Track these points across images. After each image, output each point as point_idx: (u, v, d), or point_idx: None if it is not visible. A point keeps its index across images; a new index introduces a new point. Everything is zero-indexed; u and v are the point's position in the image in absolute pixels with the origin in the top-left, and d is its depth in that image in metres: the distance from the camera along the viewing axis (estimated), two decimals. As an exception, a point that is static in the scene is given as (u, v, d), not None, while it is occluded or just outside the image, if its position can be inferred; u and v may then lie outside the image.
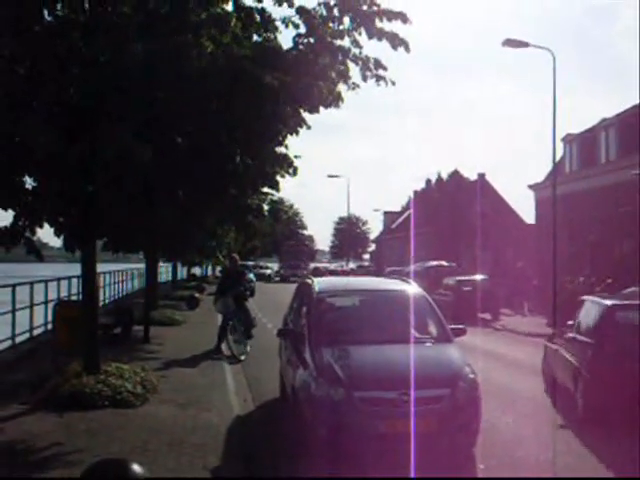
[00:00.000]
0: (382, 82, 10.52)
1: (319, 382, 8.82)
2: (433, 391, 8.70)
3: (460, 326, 10.76)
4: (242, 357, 17.21)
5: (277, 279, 75.38)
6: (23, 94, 9.29)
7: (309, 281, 11.82)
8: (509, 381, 15.02)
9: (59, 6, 9.70)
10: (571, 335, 12.92)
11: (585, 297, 13.89)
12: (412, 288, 11.23)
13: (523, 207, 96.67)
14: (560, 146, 38.08)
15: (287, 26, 10.30)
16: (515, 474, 8.58)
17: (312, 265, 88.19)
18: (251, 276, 44.33)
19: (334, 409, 8.52)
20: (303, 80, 10.01)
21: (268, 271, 77.34)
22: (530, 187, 44.12)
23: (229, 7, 10.22)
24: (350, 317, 11.08)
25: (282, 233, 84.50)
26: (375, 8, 9.90)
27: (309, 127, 11.48)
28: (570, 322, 13.40)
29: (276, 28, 10.35)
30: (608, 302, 12.40)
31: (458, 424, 8.63)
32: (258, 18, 10.19)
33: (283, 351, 11.84)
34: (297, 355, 9.98)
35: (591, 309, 12.64)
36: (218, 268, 50.25)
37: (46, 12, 9.62)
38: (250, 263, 66.90)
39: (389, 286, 11.82)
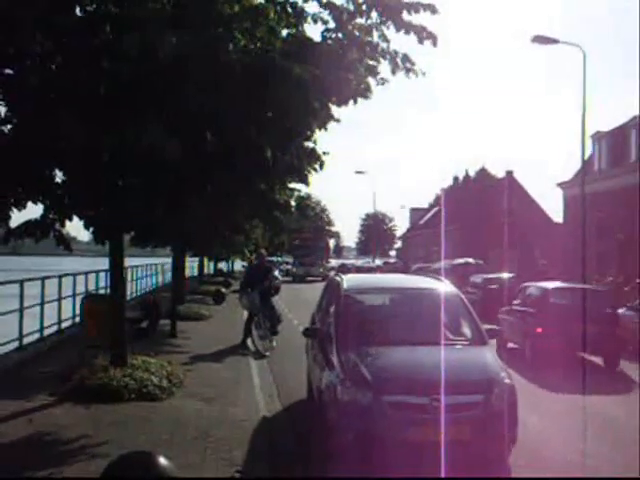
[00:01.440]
0: (412, 74, 10.45)
1: (345, 385, 8.35)
2: (466, 397, 8.20)
3: (495, 327, 10.25)
4: (267, 353, 17.22)
5: (289, 279, 59.93)
6: (54, 89, 9.35)
7: (337, 278, 11.33)
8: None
9: (89, 0, 9.74)
10: (520, 309, 18.88)
11: (527, 283, 20.42)
12: (445, 286, 10.71)
13: (552, 205, 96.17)
14: (589, 144, 37.80)
15: (316, 22, 10.28)
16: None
17: (339, 261, 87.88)
18: (276, 274, 41.54)
19: (361, 414, 8.05)
20: (333, 73, 9.98)
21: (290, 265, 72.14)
22: (559, 185, 43.85)
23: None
24: (379, 316, 10.47)
25: (309, 229, 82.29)
26: (403, 1, 9.84)
27: (338, 121, 11.45)
28: (515, 301, 19.61)
29: (306, 21, 10.31)
30: (548, 286, 19.01)
31: (492, 433, 8.15)
32: (290, 11, 10.17)
33: (310, 350, 11.43)
34: (323, 355, 9.55)
35: (535, 291, 18.99)
36: (242, 263, 49.92)
37: (77, 8, 9.70)
38: (276, 259, 66.74)
39: (421, 284, 11.22)
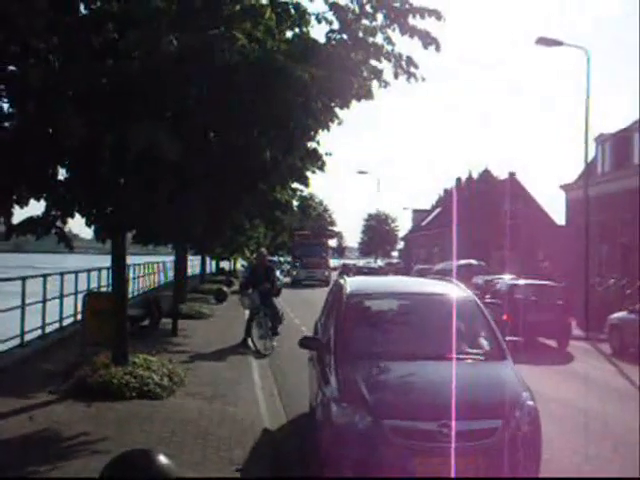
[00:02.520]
0: (413, 79, 10.46)
1: (342, 405, 7.29)
2: (482, 423, 7.10)
3: (516, 339, 9.28)
4: (267, 352, 17.21)
5: (287, 280, 55.93)
6: (56, 86, 9.35)
7: (341, 281, 10.29)
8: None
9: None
10: (491, 301, 21.69)
11: (496, 280, 25.74)
12: (461, 292, 9.56)
13: (555, 207, 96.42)
14: (593, 146, 37.75)
15: (320, 22, 10.28)
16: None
17: (341, 262, 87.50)
18: (277, 274, 36.79)
19: (359, 441, 6.98)
20: (336, 75, 9.98)
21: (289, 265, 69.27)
22: (562, 187, 43.78)
23: (263, 0, 10.22)
24: (385, 325, 9.23)
25: (311, 228, 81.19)
26: (408, 6, 9.85)
27: (341, 122, 11.44)
28: (487, 295, 22.94)
29: (309, 22, 10.32)
30: (511, 282, 24.13)
31: (512, 464, 6.98)
32: (293, 12, 10.18)
33: (310, 361, 10.48)
34: (320, 369, 8.57)
35: (502, 286, 23.57)
36: (242, 262, 49.80)
37: (82, 5, 9.72)
38: (278, 259, 66.32)
39: (434, 289, 10.01)
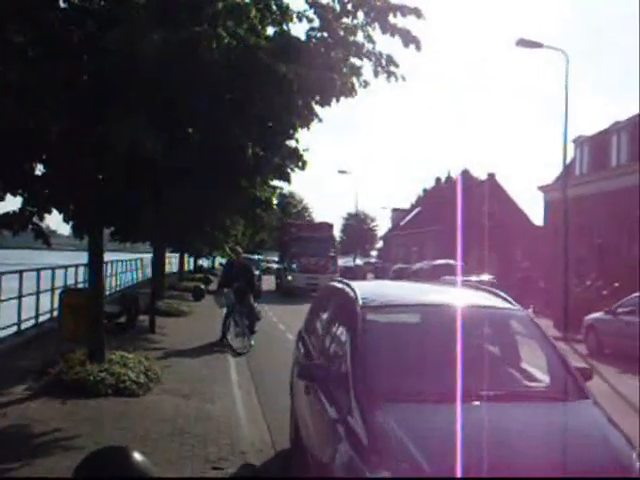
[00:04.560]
0: (393, 78, 10.48)
1: (382, 475, 4.80)
2: None
3: (585, 366, 6.87)
4: (244, 351, 17.12)
5: (272, 288, 44.83)
6: (35, 81, 9.28)
7: (343, 287, 7.80)
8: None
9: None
10: None
11: (446, 278, 26.60)
12: (506, 304, 7.12)
13: (533, 208, 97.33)
14: (571, 148, 38.01)
15: (301, 20, 10.27)
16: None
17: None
18: (257, 273, 30.43)
19: None
20: (317, 72, 9.96)
21: (276, 265, 59.19)
22: (540, 188, 44.04)
23: None
24: (422, 351, 6.52)
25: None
26: (389, 3, 9.86)
27: (320, 120, 11.43)
28: None
29: (291, 19, 10.31)
30: (461, 279, 25.82)
31: None
32: (275, 8, 10.16)
33: (297, 393, 8.04)
34: (336, 412, 5.86)
35: (454, 282, 26.05)
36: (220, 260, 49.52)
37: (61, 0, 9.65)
38: (257, 257, 65.94)
39: (471, 299, 7.39)
